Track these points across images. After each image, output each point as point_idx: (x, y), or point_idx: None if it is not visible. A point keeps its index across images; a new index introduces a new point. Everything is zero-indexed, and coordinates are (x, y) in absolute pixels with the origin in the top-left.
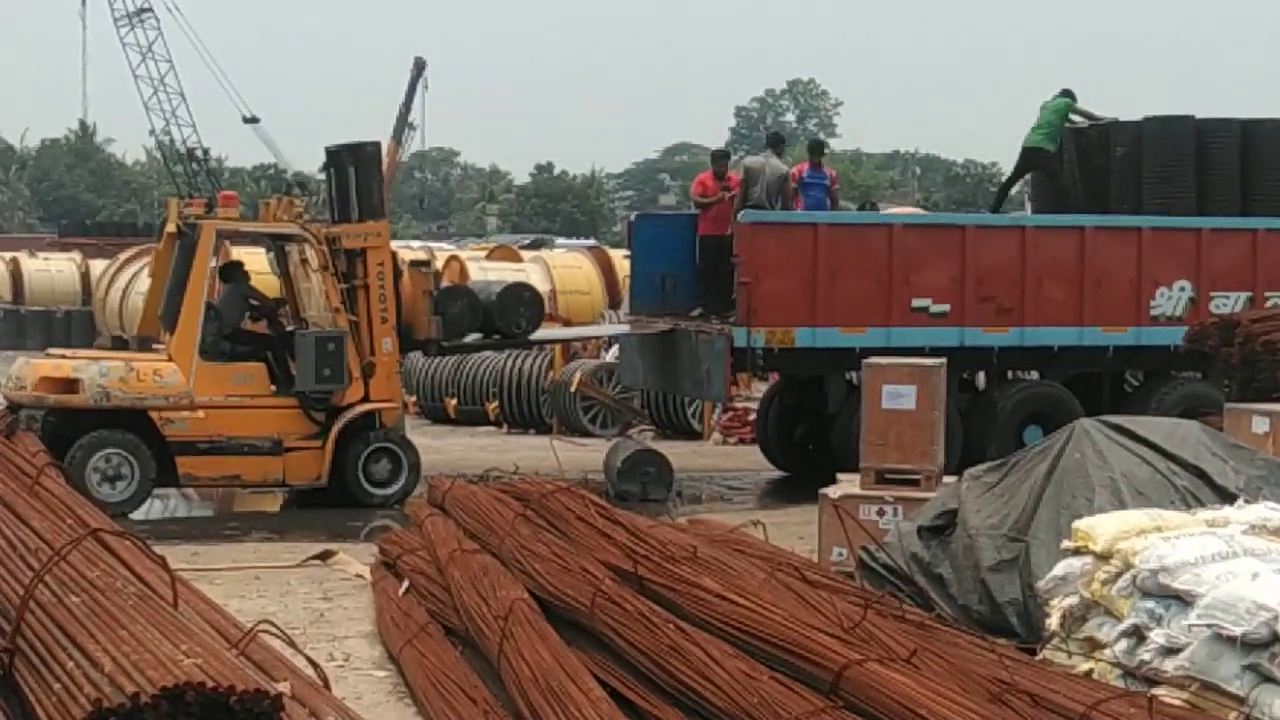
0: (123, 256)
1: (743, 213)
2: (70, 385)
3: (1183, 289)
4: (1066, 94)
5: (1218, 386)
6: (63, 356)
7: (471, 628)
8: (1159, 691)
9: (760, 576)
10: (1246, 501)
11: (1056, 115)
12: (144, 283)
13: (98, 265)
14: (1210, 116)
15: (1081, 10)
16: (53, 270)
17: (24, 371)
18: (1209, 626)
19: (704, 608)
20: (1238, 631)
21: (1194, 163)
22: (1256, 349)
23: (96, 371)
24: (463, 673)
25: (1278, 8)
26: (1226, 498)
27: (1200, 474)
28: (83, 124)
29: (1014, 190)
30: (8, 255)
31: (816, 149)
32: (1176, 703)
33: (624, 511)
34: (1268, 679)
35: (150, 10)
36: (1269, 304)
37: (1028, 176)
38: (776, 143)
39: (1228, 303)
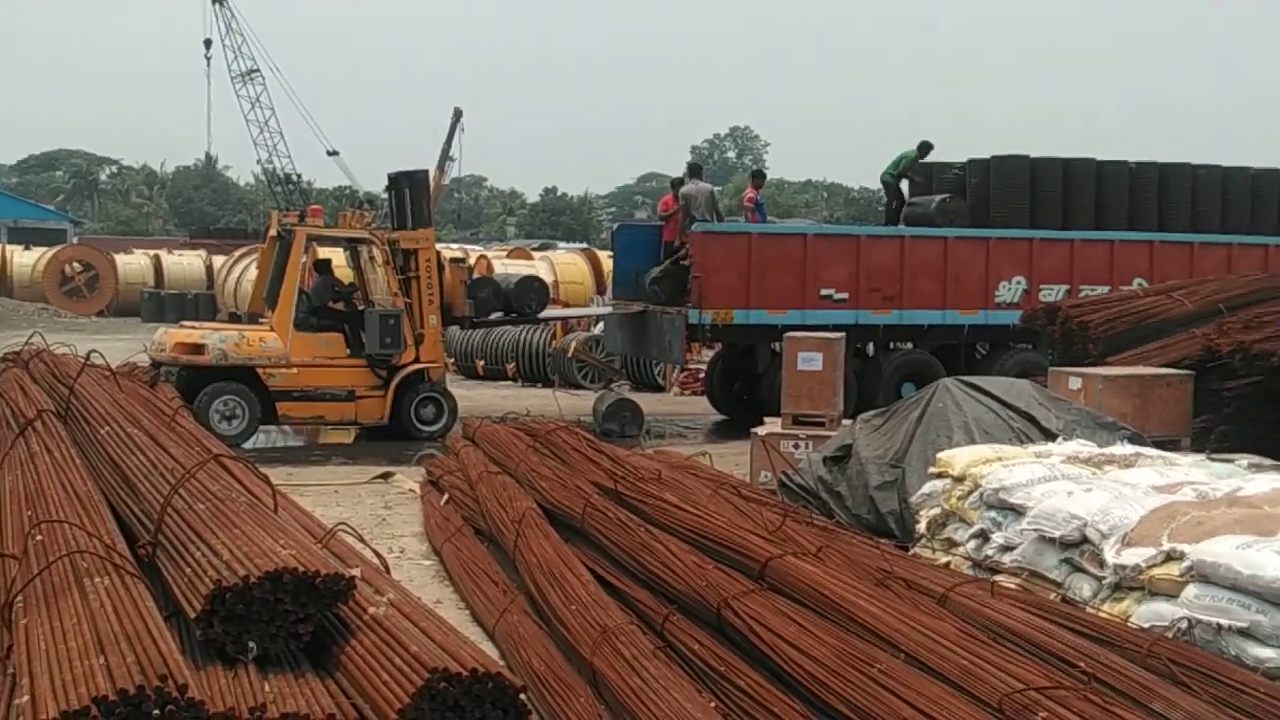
0: (236, 253)
1: (695, 225)
2: (198, 349)
3: (1019, 282)
4: (921, 146)
5: (1044, 355)
6: (192, 327)
7: (494, 529)
8: (999, 578)
9: (707, 492)
10: (1064, 439)
11: (901, 160)
12: (252, 273)
13: (218, 260)
14: (1040, 156)
15: (955, 68)
16: (185, 263)
17: (163, 339)
18: (1035, 530)
19: (666, 515)
20: (1057, 534)
21: (1028, 190)
22: (1072, 327)
23: (217, 339)
24: (487, 562)
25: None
26: (1050, 436)
27: (1030, 419)
28: (207, 155)
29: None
30: (151, 252)
31: (760, 176)
32: (1011, 586)
33: (607, 444)
34: (1078, 569)
35: (258, 71)
36: (1082, 294)
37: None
38: (696, 171)
39: (1052, 293)
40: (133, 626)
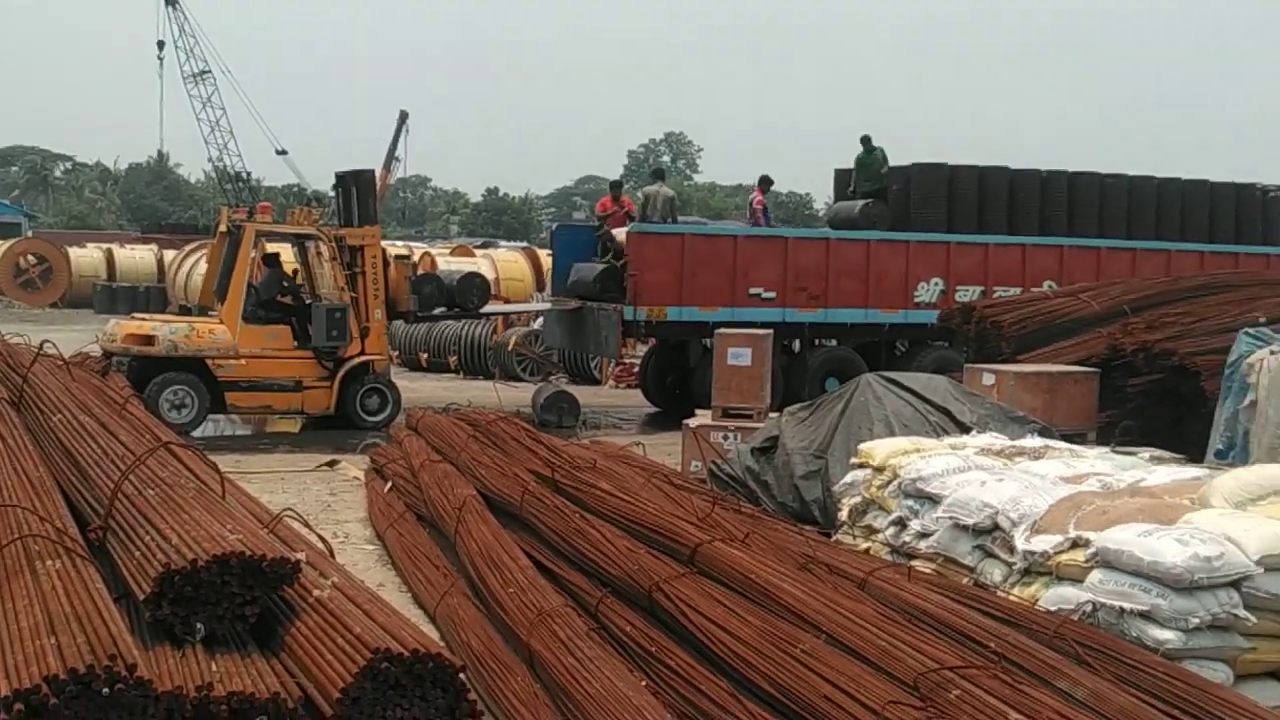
0: (187, 248)
1: (631, 225)
2: (149, 340)
3: (937, 284)
4: (864, 142)
5: (960, 352)
6: (143, 319)
7: (435, 515)
8: (915, 563)
9: (640, 481)
10: (978, 432)
11: (866, 167)
12: (202, 267)
13: (169, 254)
14: (959, 164)
15: (878, 78)
16: (136, 257)
17: (115, 330)
18: (950, 518)
19: (600, 502)
20: (970, 522)
21: (946, 196)
22: (986, 326)
23: (168, 330)
24: (429, 547)
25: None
26: (964, 429)
27: (947, 413)
28: (159, 152)
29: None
30: (104, 246)
31: (767, 182)
32: (927, 571)
33: (545, 434)
34: (990, 555)
35: (209, 72)
36: (996, 295)
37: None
38: (660, 175)
39: (968, 293)
40: (83, 608)
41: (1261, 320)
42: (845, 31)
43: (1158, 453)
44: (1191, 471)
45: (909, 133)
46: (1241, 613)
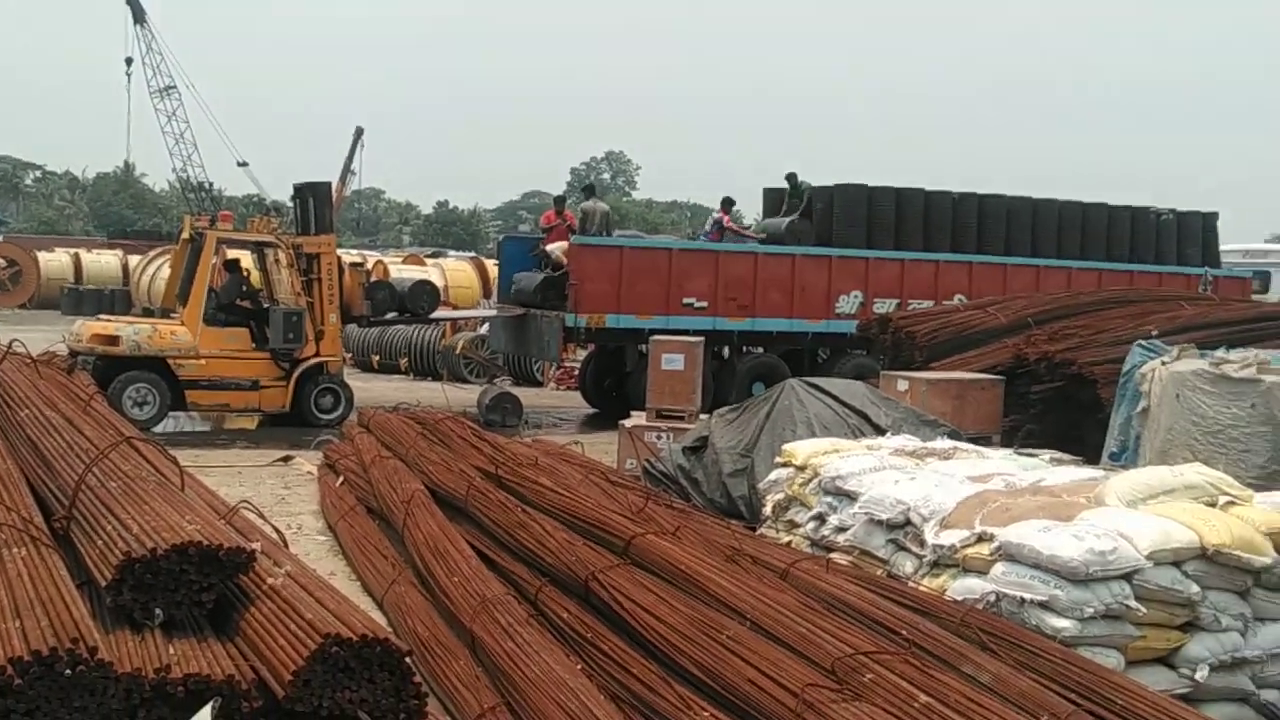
0: (151, 253)
1: (574, 238)
2: (113, 340)
3: (856, 296)
4: (789, 179)
5: (876, 360)
6: (109, 320)
7: (384, 508)
8: (834, 556)
9: (579, 477)
10: (892, 434)
11: (790, 197)
12: (165, 272)
13: (134, 259)
14: (877, 185)
15: (797, 102)
16: (103, 262)
17: (82, 330)
18: (866, 514)
19: (541, 497)
20: (884, 517)
21: (865, 214)
22: (901, 336)
23: (131, 331)
24: (378, 538)
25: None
26: (880, 431)
27: (864, 416)
28: (126, 163)
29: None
30: (72, 251)
31: (729, 202)
32: (844, 563)
33: (489, 433)
34: (902, 548)
35: (174, 87)
36: (910, 307)
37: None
38: (591, 191)
39: (885, 306)
40: (47, 593)
41: (1154, 333)
42: (777, 66)
43: (1057, 455)
44: (1088, 472)
45: (839, 156)
46: (1132, 603)
